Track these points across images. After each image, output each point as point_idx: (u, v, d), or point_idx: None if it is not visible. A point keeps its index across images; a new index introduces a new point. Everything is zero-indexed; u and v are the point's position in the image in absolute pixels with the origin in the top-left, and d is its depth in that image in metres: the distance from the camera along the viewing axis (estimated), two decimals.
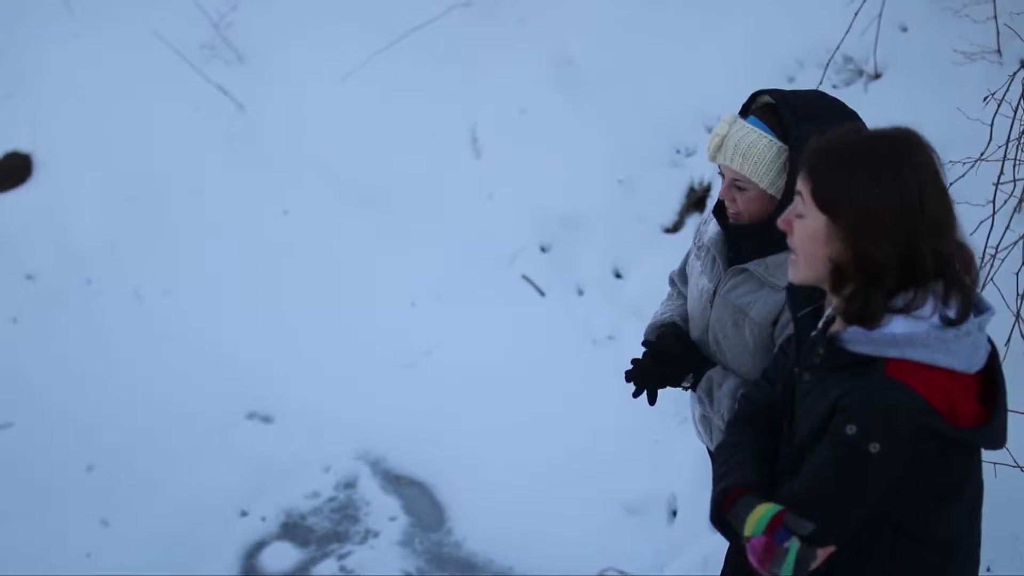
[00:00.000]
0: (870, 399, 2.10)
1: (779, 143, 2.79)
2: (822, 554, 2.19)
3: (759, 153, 2.79)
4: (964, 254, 2.16)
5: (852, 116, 2.78)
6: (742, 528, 2.23)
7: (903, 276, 2.10)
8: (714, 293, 2.94)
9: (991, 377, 2.20)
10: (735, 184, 2.83)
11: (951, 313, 2.14)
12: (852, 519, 2.18)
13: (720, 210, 2.96)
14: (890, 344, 2.10)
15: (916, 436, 2.08)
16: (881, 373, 2.10)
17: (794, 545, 2.16)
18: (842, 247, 2.15)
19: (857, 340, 2.13)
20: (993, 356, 2.21)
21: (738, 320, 2.87)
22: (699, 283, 3.01)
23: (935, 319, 2.12)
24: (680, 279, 3.25)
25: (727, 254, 2.95)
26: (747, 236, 2.88)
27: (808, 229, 2.20)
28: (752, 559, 2.20)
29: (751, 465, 2.35)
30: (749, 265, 2.87)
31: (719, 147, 2.82)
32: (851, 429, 2.09)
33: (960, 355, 2.12)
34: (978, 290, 2.22)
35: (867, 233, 2.11)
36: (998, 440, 2.18)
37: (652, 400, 3.03)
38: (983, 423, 2.14)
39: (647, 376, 3.01)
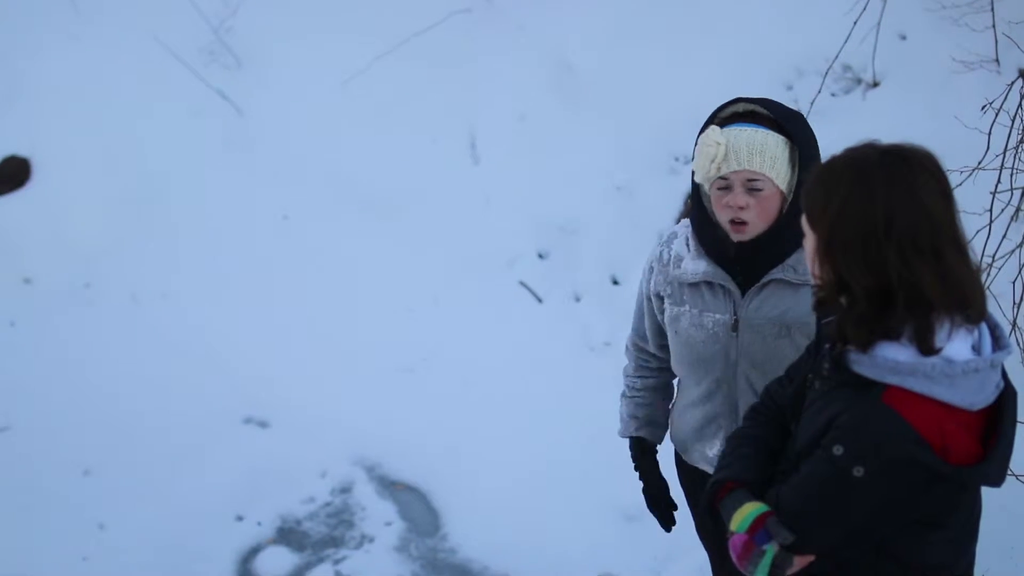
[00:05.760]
0: (861, 424, 2.09)
1: (784, 138, 2.73)
2: (799, 561, 2.22)
3: (772, 149, 2.71)
4: (968, 283, 2.09)
5: (801, 117, 2.81)
6: (729, 522, 2.26)
7: (902, 302, 2.05)
8: (735, 322, 2.83)
9: (998, 417, 2.15)
10: (752, 187, 2.72)
11: (964, 346, 2.10)
12: (831, 535, 2.19)
13: (709, 244, 2.86)
14: (891, 371, 2.08)
15: (901, 465, 2.07)
16: (877, 399, 2.08)
17: (771, 549, 2.19)
18: (824, 267, 2.14)
19: (861, 361, 2.11)
20: (1005, 395, 2.16)
21: (781, 332, 2.78)
22: (704, 322, 2.87)
23: (947, 350, 2.08)
24: (653, 339, 3.10)
25: (736, 279, 2.84)
26: (762, 248, 2.78)
27: (807, 246, 2.19)
28: (732, 554, 2.24)
29: (753, 460, 2.36)
30: (772, 275, 2.78)
31: (724, 156, 2.71)
32: (838, 450, 2.09)
33: (962, 391, 2.08)
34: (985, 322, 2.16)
35: (836, 253, 2.09)
36: (995, 479, 2.14)
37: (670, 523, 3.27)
38: (977, 462, 2.11)
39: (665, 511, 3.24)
